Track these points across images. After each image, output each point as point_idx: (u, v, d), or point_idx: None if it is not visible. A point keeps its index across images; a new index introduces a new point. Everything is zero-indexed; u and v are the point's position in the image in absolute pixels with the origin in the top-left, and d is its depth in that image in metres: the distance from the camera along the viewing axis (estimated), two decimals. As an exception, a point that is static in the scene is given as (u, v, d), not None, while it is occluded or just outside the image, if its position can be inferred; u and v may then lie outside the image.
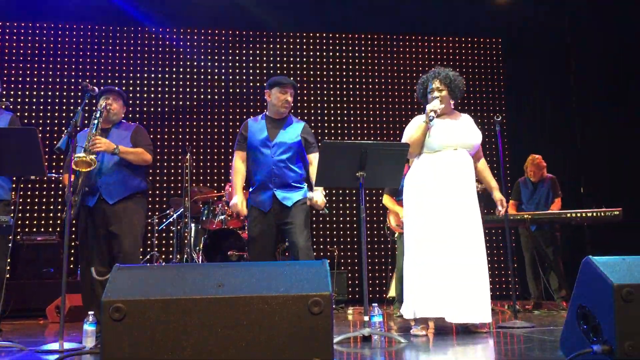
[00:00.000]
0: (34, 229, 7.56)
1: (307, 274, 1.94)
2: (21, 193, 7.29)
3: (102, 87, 4.33)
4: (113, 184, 4.17)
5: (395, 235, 5.85)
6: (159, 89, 8.34)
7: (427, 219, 3.90)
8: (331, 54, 8.80)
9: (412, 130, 4.06)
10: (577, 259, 2.44)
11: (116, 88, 4.47)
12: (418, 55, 8.95)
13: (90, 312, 3.63)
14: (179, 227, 6.99)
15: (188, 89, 8.41)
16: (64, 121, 7.89)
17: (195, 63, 8.46)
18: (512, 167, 8.13)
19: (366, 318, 3.59)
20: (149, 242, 7.14)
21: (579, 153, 8.05)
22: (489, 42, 9.13)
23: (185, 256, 6.63)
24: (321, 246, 8.16)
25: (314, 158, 4.16)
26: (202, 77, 8.46)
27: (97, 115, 4.11)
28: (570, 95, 8.25)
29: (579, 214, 5.79)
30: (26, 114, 7.80)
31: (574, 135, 8.20)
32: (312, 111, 8.56)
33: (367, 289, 3.70)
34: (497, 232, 8.18)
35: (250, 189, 4.25)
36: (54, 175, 6.83)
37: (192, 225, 6.74)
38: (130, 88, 8.17)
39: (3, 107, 4.06)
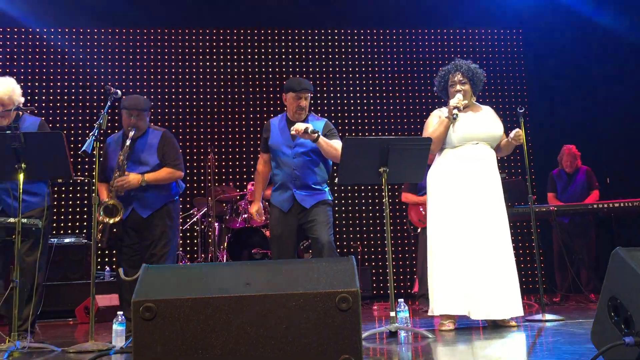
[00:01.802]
0: (62, 231, 7.67)
1: (334, 271, 1.95)
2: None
3: (123, 97, 4.16)
4: (145, 199, 4.12)
5: (418, 230, 5.83)
6: (180, 89, 8.40)
7: (451, 215, 3.88)
8: (350, 50, 8.78)
9: (433, 126, 4.04)
10: (606, 251, 2.41)
11: (140, 101, 4.20)
12: (438, 49, 8.88)
13: (119, 312, 3.68)
14: (203, 227, 7.05)
15: (209, 89, 8.46)
16: (87, 124, 7.99)
17: (215, 63, 8.50)
18: (536, 159, 8.04)
19: (392, 314, 3.58)
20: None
21: (603, 144, 7.93)
22: (509, 33, 9.03)
23: (210, 255, 6.68)
24: (344, 242, 8.16)
25: (337, 143, 4.10)
26: (222, 76, 8.50)
27: (122, 155, 4.03)
28: (594, 85, 8.12)
29: (605, 205, 5.72)
30: (50, 118, 7.91)
31: (598, 125, 8.08)
32: (332, 107, 8.55)
33: (392, 285, 3.70)
34: (523, 224, 8.09)
35: (273, 188, 4.25)
36: (80, 178, 6.92)
37: (216, 224, 6.79)
38: (152, 90, 8.25)
39: (28, 112, 4.11)
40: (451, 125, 3.96)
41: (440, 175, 3.99)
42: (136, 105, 4.12)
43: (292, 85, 4.22)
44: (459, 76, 4.05)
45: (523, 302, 5.38)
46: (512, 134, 4.05)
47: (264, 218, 4.31)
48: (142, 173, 4.08)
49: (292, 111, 4.20)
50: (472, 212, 3.85)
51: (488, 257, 3.80)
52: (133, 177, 4.04)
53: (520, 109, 4.64)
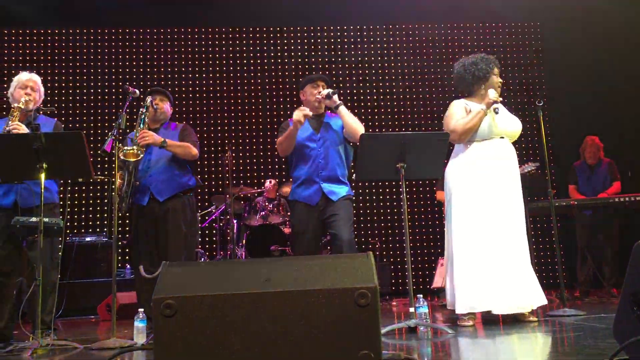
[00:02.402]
0: (83, 230, 7.76)
1: (352, 267, 1.95)
2: (69, 195, 7.49)
3: (145, 90, 4.44)
4: (162, 182, 4.25)
5: None
6: (197, 88, 8.45)
7: (474, 212, 3.87)
8: (366, 45, 8.77)
9: (463, 117, 4.00)
10: (629, 245, 2.37)
11: (163, 89, 4.59)
12: (455, 43, 8.83)
13: (140, 310, 3.72)
14: (221, 224, 7.09)
15: (225, 87, 8.50)
16: (106, 124, 8.08)
17: (231, 61, 8.54)
18: (555, 153, 7.96)
19: (412, 309, 3.57)
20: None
21: (624, 137, 7.82)
22: (527, 26, 8.95)
23: (229, 253, 6.72)
24: (362, 239, 8.16)
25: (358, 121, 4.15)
26: (238, 75, 8.54)
27: (144, 110, 4.21)
28: (614, 77, 8.01)
29: (627, 199, 5.65)
30: (70, 118, 8.01)
31: (618, 119, 7.96)
32: (349, 104, 8.54)
33: (411, 280, 3.69)
34: (544, 219, 8.01)
35: (294, 184, 4.25)
36: (100, 177, 7.00)
37: (234, 222, 6.82)
38: (169, 89, 8.28)
39: (49, 112, 4.17)
40: (487, 117, 3.95)
41: (464, 169, 3.97)
42: (158, 90, 4.50)
43: (308, 77, 4.35)
44: (497, 71, 4.11)
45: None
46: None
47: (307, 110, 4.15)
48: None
49: (312, 101, 4.21)
50: (493, 208, 3.85)
51: (508, 253, 3.80)
52: (155, 135, 4.22)
53: (539, 102, 4.60)
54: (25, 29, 8.18)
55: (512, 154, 4.02)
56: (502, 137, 4.01)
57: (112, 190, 4.17)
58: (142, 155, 4.07)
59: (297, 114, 3.98)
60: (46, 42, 8.26)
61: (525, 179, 5.10)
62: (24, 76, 4.15)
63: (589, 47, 8.10)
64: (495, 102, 3.93)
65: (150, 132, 4.19)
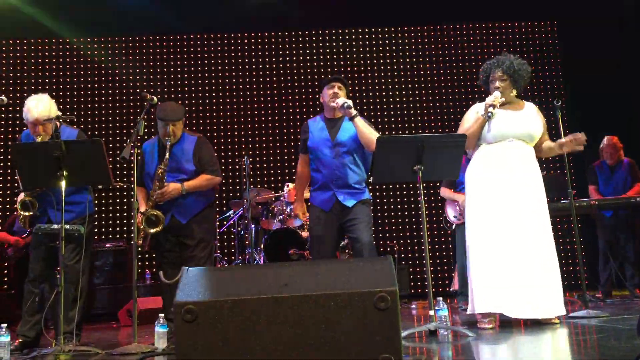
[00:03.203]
0: (103, 237, 7.84)
1: (372, 270, 1.95)
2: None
3: (159, 104, 4.15)
4: (184, 206, 4.16)
5: (454, 226, 5.77)
6: (213, 93, 8.50)
7: (491, 212, 3.84)
8: (381, 48, 8.76)
9: (469, 122, 4.00)
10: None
11: (174, 111, 4.18)
12: (470, 44, 8.79)
13: (160, 315, 3.74)
14: (239, 229, 7.11)
15: (242, 92, 8.54)
16: (125, 131, 8.16)
17: (247, 66, 8.58)
18: (575, 153, 7.87)
19: (431, 312, 3.55)
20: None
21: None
22: (543, 25, 8.88)
23: (247, 257, 6.73)
24: (381, 241, 8.13)
25: (374, 131, 4.12)
26: (254, 79, 8.57)
27: (162, 169, 4.07)
28: (633, 76, 7.91)
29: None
30: (89, 125, 8.09)
31: (638, 118, 7.87)
32: (365, 107, 8.54)
33: (430, 283, 3.67)
34: (564, 219, 7.93)
35: (312, 187, 4.26)
36: (119, 183, 7.06)
37: (252, 226, 6.84)
38: (186, 95, 8.37)
39: (68, 120, 4.20)
40: (487, 123, 3.90)
41: (478, 172, 3.95)
42: (172, 116, 4.12)
43: (325, 79, 4.36)
44: (499, 72, 3.99)
45: (565, 299, 5.33)
46: (563, 141, 4.01)
47: (306, 215, 4.36)
48: (181, 181, 4.12)
49: (327, 101, 4.22)
50: (511, 209, 3.80)
51: (530, 256, 3.75)
52: (173, 188, 4.08)
53: (557, 102, 4.56)
54: (43, 37, 8.29)
55: (526, 156, 3.94)
56: (512, 140, 3.91)
57: (131, 197, 4.19)
58: (163, 223, 4.02)
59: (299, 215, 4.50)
60: (64, 51, 8.36)
61: (545, 179, 5.06)
62: (29, 115, 3.97)
63: (607, 46, 8.01)
64: (492, 105, 3.85)
65: (168, 190, 4.06)
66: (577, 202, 5.67)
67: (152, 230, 4.00)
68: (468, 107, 4.18)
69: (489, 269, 3.77)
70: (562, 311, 3.80)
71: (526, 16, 8.74)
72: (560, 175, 5.85)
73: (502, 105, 3.96)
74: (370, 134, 4.03)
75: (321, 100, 4.33)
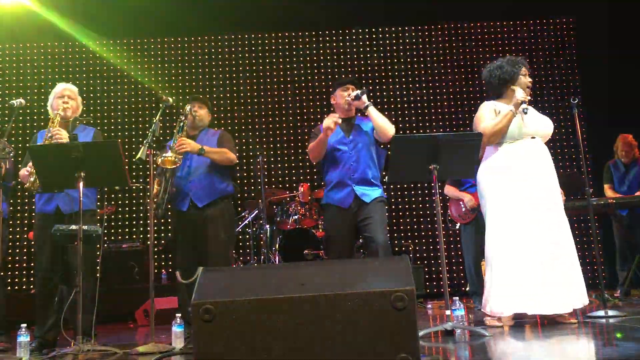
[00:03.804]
0: (119, 237, 7.90)
1: (388, 270, 1.94)
2: (105, 203, 7.64)
3: (188, 97, 4.54)
4: (202, 188, 4.28)
5: (457, 225, 5.72)
6: (228, 94, 8.54)
7: (512, 212, 3.81)
8: (394, 47, 8.75)
9: (492, 119, 3.96)
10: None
11: (202, 97, 4.66)
12: (485, 42, 8.75)
13: (177, 314, 3.77)
14: (254, 229, 7.13)
15: (255, 92, 8.57)
16: (140, 132, 8.21)
17: (261, 67, 8.60)
18: (591, 151, 7.81)
19: (448, 312, 3.54)
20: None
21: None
22: (559, 23, 8.81)
23: (262, 257, 6.75)
24: (396, 241, 8.12)
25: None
26: (268, 80, 8.60)
27: (183, 118, 4.26)
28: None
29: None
30: (105, 127, 8.16)
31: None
32: (379, 106, 8.53)
33: (446, 283, 3.65)
34: (581, 218, 7.86)
35: (327, 188, 4.26)
36: (136, 184, 7.12)
37: (267, 226, 6.86)
38: (201, 96, 8.40)
39: (85, 122, 4.26)
40: (516, 118, 3.90)
41: (497, 172, 3.91)
42: (198, 98, 4.58)
43: (338, 81, 4.36)
44: (525, 69, 4.06)
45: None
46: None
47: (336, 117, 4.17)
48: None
49: (341, 104, 4.22)
50: (531, 208, 3.78)
51: (550, 251, 3.73)
52: (194, 143, 4.26)
53: (574, 99, 4.52)
54: (61, 41, 8.38)
55: (545, 153, 3.96)
56: (533, 137, 3.94)
57: (148, 198, 4.22)
58: (179, 163, 4.12)
59: (327, 121, 3.99)
60: (80, 53, 8.44)
61: (561, 178, 5.02)
62: (60, 87, 4.26)
63: (623, 43, 7.93)
64: (524, 102, 3.88)
65: (188, 140, 4.22)
66: (595, 200, 5.61)
67: (168, 166, 4.09)
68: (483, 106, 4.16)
69: (511, 270, 3.74)
70: (585, 300, 3.78)
71: (542, 13, 8.67)
72: (576, 174, 5.80)
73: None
74: (385, 122, 4.05)
75: (332, 102, 4.32)
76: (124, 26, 8.27)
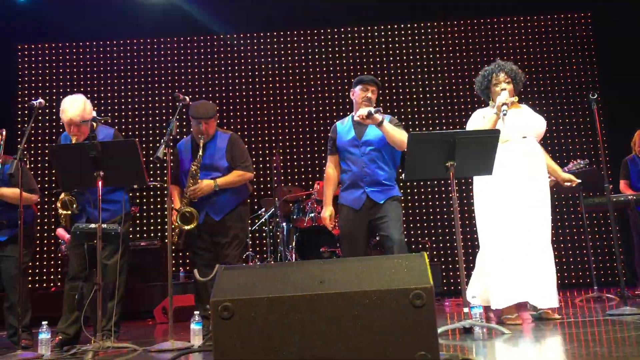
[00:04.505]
0: (138, 235, 7.96)
1: (407, 268, 1.94)
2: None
3: (190, 104, 4.22)
4: (218, 203, 4.23)
5: None
6: (244, 93, 8.57)
7: (501, 209, 3.97)
8: (410, 44, 8.71)
9: (480, 123, 4.11)
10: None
11: (207, 109, 4.26)
12: (502, 37, 8.68)
13: (195, 312, 3.79)
14: (271, 227, 7.15)
15: (271, 91, 8.59)
16: (157, 131, 8.27)
17: (276, 65, 8.62)
18: (610, 146, 7.71)
19: (466, 310, 3.53)
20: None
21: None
22: (576, 17, 8.71)
23: (279, 255, 6.77)
24: (412, 239, 8.10)
25: (403, 132, 4.09)
26: (284, 77, 8.61)
27: (195, 163, 4.16)
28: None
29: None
30: (122, 126, 8.24)
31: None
32: (395, 103, 8.51)
33: (464, 280, 3.64)
34: (600, 215, 7.77)
35: (341, 188, 4.26)
36: (153, 183, 7.17)
37: (284, 224, 6.88)
38: (217, 95, 8.44)
39: (102, 122, 4.27)
40: (500, 121, 4.01)
41: (496, 169, 3.98)
42: (204, 114, 4.22)
43: (360, 78, 4.30)
44: (503, 75, 4.16)
45: (603, 296, 5.29)
46: (565, 177, 4.31)
47: (332, 222, 4.30)
48: (214, 179, 4.19)
49: (358, 103, 4.20)
50: (519, 206, 3.93)
51: (530, 249, 3.90)
52: (206, 184, 4.16)
53: (593, 95, 4.48)
54: (78, 42, 8.47)
55: (536, 153, 4.09)
56: (525, 137, 4.08)
57: (165, 196, 4.25)
58: (197, 220, 4.11)
59: (324, 221, 4.25)
60: (98, 54, 8.52)
61: (580, 174, 4.99)
62: (64, 115, 4.03)
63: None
64: (505, 104, 3.96)
65: (201, 186, 4.14)
66: (614, 197, 5.55)
67: (186, 227, 4.09)
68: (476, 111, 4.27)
69: (503, 266, 3.91)
70: (555, 303, 3.92)
71: (560, 8, 8.59)
72: (595, 170, 5.72)
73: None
74: (400, 135, 4.01)
75: (352, 97, 4.30)
76: (141, 25, 8.33)
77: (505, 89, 4.08)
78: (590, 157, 8.02)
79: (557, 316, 3.93)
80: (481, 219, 4.13)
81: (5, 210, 4.27)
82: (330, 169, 4.31)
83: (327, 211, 4.25)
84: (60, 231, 6.51)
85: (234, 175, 4.26)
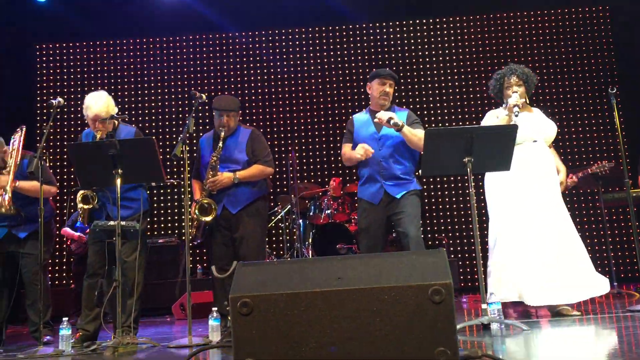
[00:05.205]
0: (155, 232, 8.02)
1: (425, 263, 1.94)
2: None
3: (214, 98, 4.31)
4: (235, 196, 4.26)
5: None
6: (259, 90, 8.59)
7: (512, 211, 4.02)
8: (426, 40, 8.68)
9: (494, 123, 4.13)
10: None
11: (230, 102, 4.35)
12: (519, 32, 8.61)
13: (214, 308, 3.81)
14: (287, 224, 7.17)
15: (287, 88, 8.60)
16: (174, 129, 8.33)
17: (292, 62, 8.63)
18: (631, 141, 7.63)
19: (484, 306, 3.51)
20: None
21: None
22: (595, 11, 8.61)
23: (296, 252, 6.78)
24: (429, 235, 8.07)
25: (421, 133, 4.05)
26: (299, 75, 8.62)
27: (215, 154, 4.21)
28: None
29: None
30: (141, 124, 8.30)
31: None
32: (411, 99, 8.48)
33: (482, 276, 3.62)
34: (620, 210, 7.68)
35: (360, 182, 4.26)
36: (171, 180, 7.22)
37: (300, 221, 6.89)
38: (232, 93, 8.47)
39: (120, 120, 4.30)
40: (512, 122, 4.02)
41: (499, 175, 4.05)
42: (227, 107, 4.28)
43: (377, 71, 4.29)
44: (515, 79, 4.21)
45: (623, 292, 5.25)
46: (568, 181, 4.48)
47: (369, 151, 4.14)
48: (234, 171, 4.21)
49: (376, 97, 4.19)
50: (531, 208, 3.97)
51: (551, 248, 3.90)
52: (226, 176, 4.19)
53: (612, 89, 4.44)
54: (96, 41, 8.55)
55: (546, 156, 4.14)
56: (535, 141, 4.13)
57: (183, 194, 4.27)
58: (215, 212, 4.13)
59: (360, 150, 4.03)
60: (115, 53, 8.59)
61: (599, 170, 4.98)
62: (87, 110, 4.09)
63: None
64: (516, 105, 3.99)
65: (220, 178, 4.17)
66: (634, 192, 5.48)
67: (204, 219, 4.11)
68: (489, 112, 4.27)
69: (516, 265, 3.94)
70: (603, 289, 3.90)
71: (578, 2, 8.50)
72: (614, 166, 5.65)
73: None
74: (418, 139, 4.01)
75: (368, 91, 4.29)
76: (162, 25, 8.38)
77: (516, 92, 4.12)
78: (610, 152, 7.95)
79: (576, 312, 3.91)
80: (494, 218, 4.17)
81: (24, 205, 4.32)
82: (348, 150, 4.25)
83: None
84: (67, 230, 6.50)
85: (255, 169, 4.29)
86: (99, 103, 4.04)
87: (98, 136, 4.04)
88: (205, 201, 4.15)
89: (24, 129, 4.35)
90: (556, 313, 3.94)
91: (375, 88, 4.21)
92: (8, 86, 8.06)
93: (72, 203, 7.76)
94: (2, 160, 4.32)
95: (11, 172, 4.20)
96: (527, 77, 4.21)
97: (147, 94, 8.53)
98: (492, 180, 4.19)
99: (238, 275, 2.03)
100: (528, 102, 4.27)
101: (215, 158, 4.21)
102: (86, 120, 4.16)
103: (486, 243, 7.91)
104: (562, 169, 4.33)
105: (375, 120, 4.08)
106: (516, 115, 3.96)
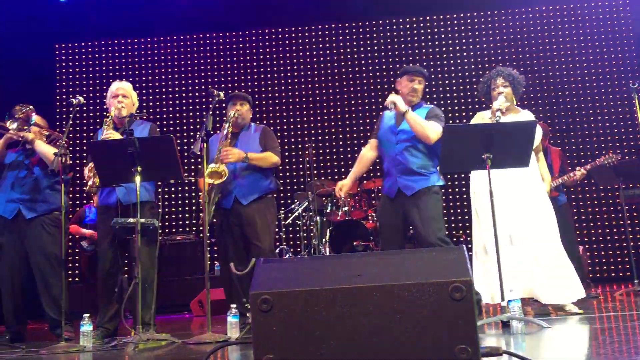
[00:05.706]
0: (173, 230, 8.08)
1: (445, 261, 1.92)
2: (159, 197, 7.84)
3: (228, 93, 4.44)
4: (246, 187, 4.28)
5: None
6: (276, 87, 8.61)
7: (491, 208, 3.90)
8: (443, 36, 8.63)
9: None
10: None
11: (242, 93, 4.59)
12: (537, 27, 8.53)
13: (232, 305, 3.83)
14: (304, 221, 7.18)
15: (303, 85, 8.60)
16: (191, 127, 8.37)
17: (308, 60, 8.63)
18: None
19: (503, 303, 3.49)
20: (277, 236, 7.39)
21: None
22: (615, 5, 8.50)
23: (313, 249, 6.79)
24: (447, 232, 8.02)
25: (431, 124, 4.08)
26: (316, 72, 8.62)
27: (227, 125, 4.26)
28: None
29: None
30: (158, 122, 8.35)
31: None
32: (428, 96, 8.44)
33: (501, 274, 3.60)
34: (634, 208, 7.59)
35: (383, 178, 4.31)
36: (189, 178, 7.26)
37: (317, 218, 6.89)
38: (249, 91, 8.49)
39: (138, 117, 4.34)
40: None
41: (483, 176, 3.94)
42: (239, 96, 4.47)
43: (407, 68, 4.33)
44: (501, 80, 4.21)
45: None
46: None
47: (342, 194, 4.29)
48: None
49: (405, 94, 4.20)
50: (511, 207, 3.97)
51: (535, 248, 3.93)
52: (237, 151, 4.22)
53: (633, 84, 4.39)
54: (114, 39, 8.62)
55: (532, 159, 4.08)
56: None
57: (200, 192, 4.30)
58: (225, 177, 4.12)
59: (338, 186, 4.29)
60: (132, 51, 8.67)
61: (617, 168, 4.93)
62: (114, 85, 4.34)
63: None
64: (499, 110, 3.99)
65: (234, 150, 4.19)
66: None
67: (216, 182, 4.11)
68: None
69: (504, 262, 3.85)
70: (575, 296, 3.90)
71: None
72: (636, 161, 5.59)
73: (506, 111, 4.09)
74: (423, 128, 4.01)
75: (398, 88, 4.30)
76: (181, 23, 8.43)
77: (502, 93, 4.11)
78: (630, 147, 7.85)
79: (575, 310, 3.90)
80: (474, 220, 4.23)
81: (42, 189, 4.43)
82: (365, 149, 4.40)
83: (344, 181, 4.34)
84: (75, 227, 6.42)
85: (265, 154, 4.33)
86: (127, 85, 4.35)
87: (115, 112, 4.16)
88: (216, 167, 4.12)
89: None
90: (560, 309, 3.96)
91: (404, 84, 4.23)
92: (28, 85, 8.15)
93: (84, 202, 7.85)
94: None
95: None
96: (514, 78, 4.23)
97: (165, 92, 8.58)
98: (476, 187, 4.22)
99: (258, 272, 2.03)
100: (516, 103, 4.28)
101: (227, 128, 4.26)
102: (107, 105, 4.26)
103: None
104: (547, 177, 4.31)
105: (386, 103, 4.11)
106: (498, 119, 3.95)
